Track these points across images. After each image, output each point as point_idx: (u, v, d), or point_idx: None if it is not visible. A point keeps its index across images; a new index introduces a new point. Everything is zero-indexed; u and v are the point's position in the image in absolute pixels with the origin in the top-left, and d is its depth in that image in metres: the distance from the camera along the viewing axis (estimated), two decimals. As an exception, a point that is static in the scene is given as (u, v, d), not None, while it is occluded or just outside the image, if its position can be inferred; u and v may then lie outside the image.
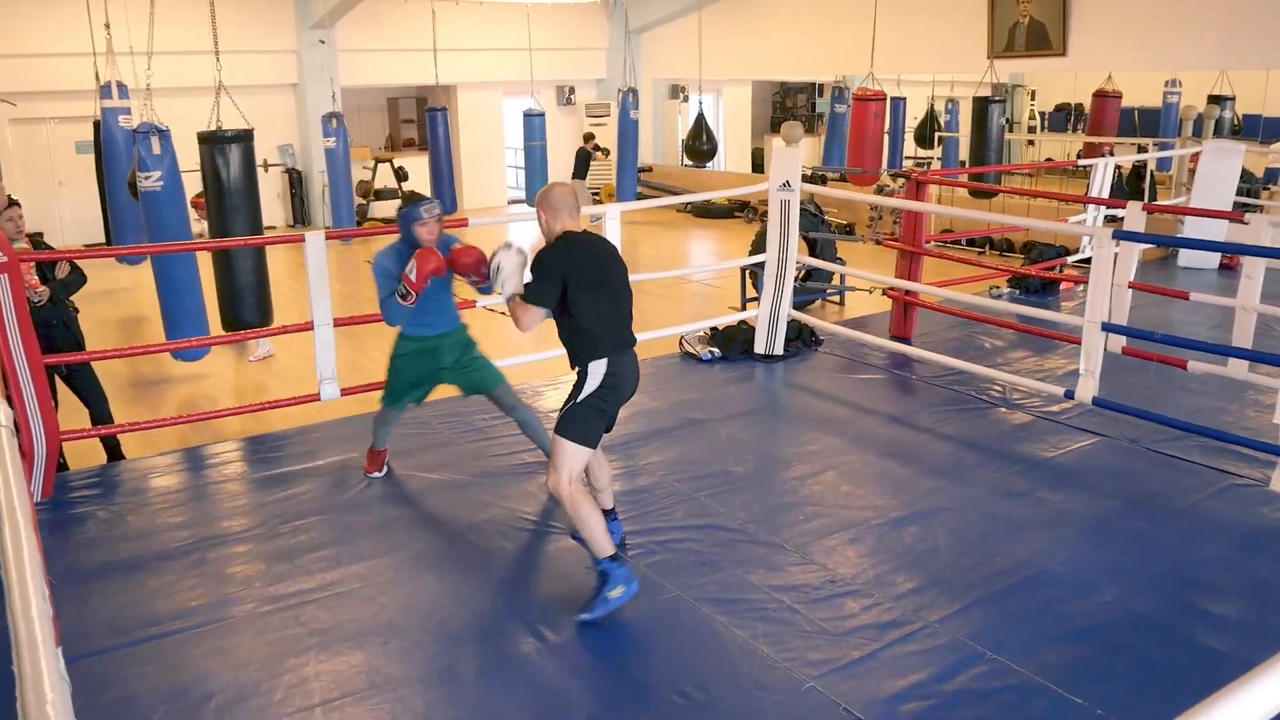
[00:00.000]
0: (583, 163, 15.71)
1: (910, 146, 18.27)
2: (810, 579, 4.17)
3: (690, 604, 3.99)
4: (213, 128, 6.34)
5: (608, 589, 3.80)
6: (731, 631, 3.80)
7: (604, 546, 3.80)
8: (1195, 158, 10.59)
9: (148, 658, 3.70)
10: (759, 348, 7.29)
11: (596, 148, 15.61)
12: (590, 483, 4.24)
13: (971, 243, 12.30)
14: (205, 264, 6.90)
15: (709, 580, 4.17)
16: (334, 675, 3.58)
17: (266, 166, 14.85)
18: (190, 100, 7.80)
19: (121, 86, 9.32)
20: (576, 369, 3.88)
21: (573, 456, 3.81)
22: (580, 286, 3.76)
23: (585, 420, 3.83)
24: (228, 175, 6.12)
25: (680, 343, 7.49)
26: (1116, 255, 5.97)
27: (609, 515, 4.27)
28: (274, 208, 15.62)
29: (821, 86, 22.84)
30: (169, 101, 10.25)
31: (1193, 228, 9.79)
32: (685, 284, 11.05)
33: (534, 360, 7.08)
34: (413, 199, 4.87)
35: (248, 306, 6.34)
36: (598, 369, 3.81)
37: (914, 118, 17.82)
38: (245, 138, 6.21)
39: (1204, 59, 11.36)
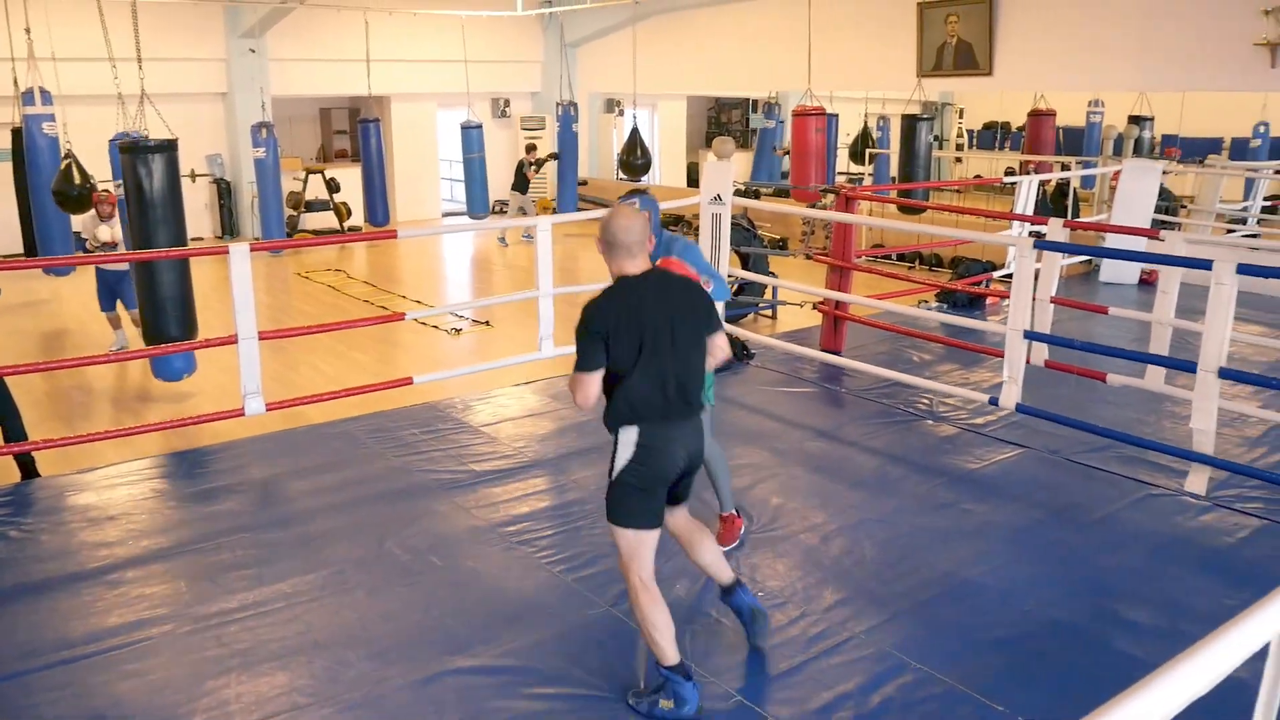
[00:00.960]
0: (522, 175, 15.65)
1: (844, 163, 18.52)
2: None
3: (619, 619, 3.98)
4: (135, 137, 6.20)
5: (663, 696, 3.34)
6: (660, 645, 3.79)
7: (667, 653, 3.29)
8: (1117, 176, 10.89)
9: (61, 682, 3.59)
10: (691, 361, 7.30)
11: (535, 161, 15.53)
12: (696, 563, 3.75)
13: (901, 258, 12.49)
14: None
15: (638, 594, 4.17)
16: (255, 697, 3.50)
17: (194, 177, 14.59)
18: (113, 109, 7.64)
19: (45, 93, 9.09)
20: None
21: (628, 542, 3.29)
22: (621, 351, 3.21)
23: (621, 499, 3.29)
24: (150, 186, 5.98)
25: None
26: (1038, 268, 6.11)
27: (734, 587, 3.71)
28: (202, 219, 15.34)
29: (755, 102, 23.08)
30: (94, 110, 10.05)
31: (1113, 244, 10.04)
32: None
33: (467, 374, 7.05)
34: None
35: (171, 320, 6.20)
36: (627, 438, 3.27)
37: (847, 134, 18.07)
38: (169, 147, 6.08)
39: (1123, 80, 11.69)
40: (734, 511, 4.61)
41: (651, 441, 3.24)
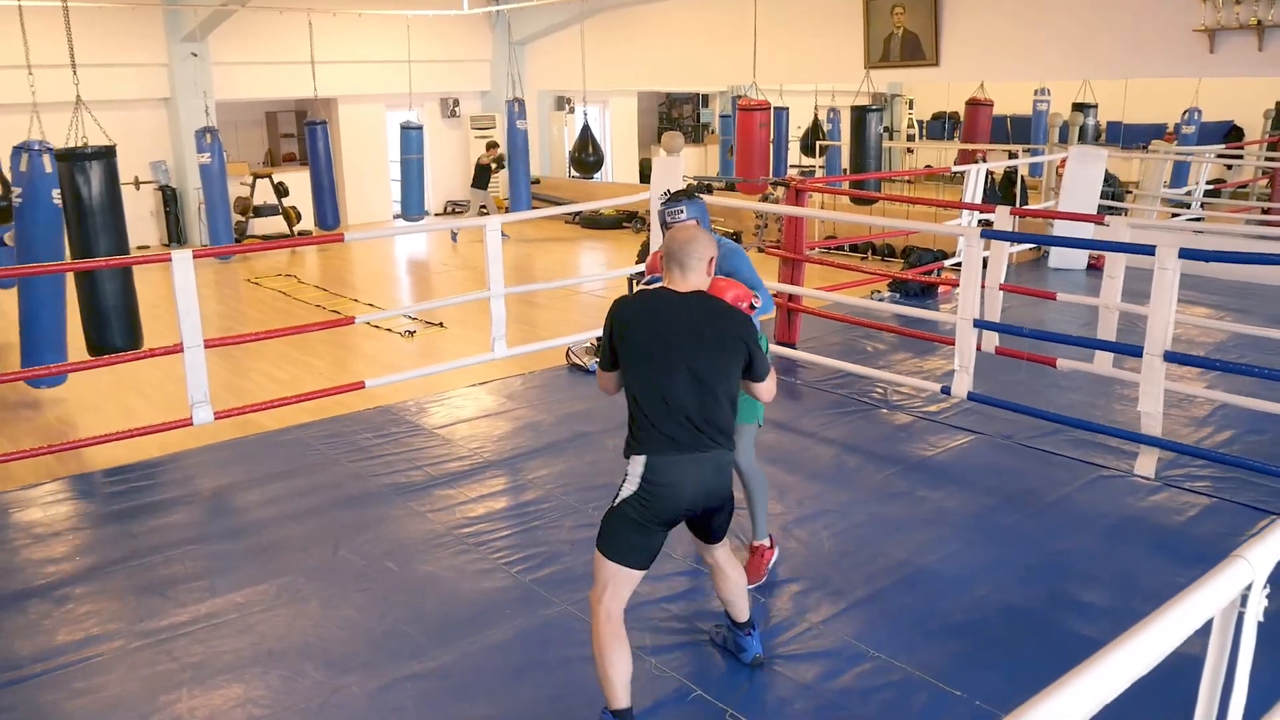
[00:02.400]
0: (482, 173, 15.46)
1: (796, 155, 18.59)
2: (698, 587, 4.19)
3: (578, 617, 3.96)
4: (72, 144, 6.08)
5: None
6: (619, 643, 3.78)
7: (616, 696, 3.08)
8: (1063, 163, 11.02)
9: (9, 704, 3.51)
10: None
11: (497, 159, 15.29)
12: (717, 593, 3.62)
13: (854, 249, 12.56)
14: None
15: (597, 593, 4.15)
16: (210, 710, 3.45)
17: (138, 184, 14.34)
18: (52, 116, 7.48)
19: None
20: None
21: (607, 573, 3.11)
22: (628, 358, 3.13)
23: (615, 530, 3.11)
24: (89, 194, 5.87)
25: (567, 354, 7.45)
26: (986, 256, 6.17)
27: (743, 628, 3.62)
28: (147, 226, 15.07)
29: (706, 97, 23.10)
30: (19, 119, 9.84)
31: (1061, 230, 10.17)
32: (574, 294, 11.03)
33: (421, 376, 6.99)
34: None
35: (114, 330, 6.08)
36: (634, 468, 3.07)
37: (798, 127, 18.13)
38: (107, 154, 5.97)
39: (1067, 68, 11.84)
40: (766, 541, 4.27)
41: (658, 478, 3.04)
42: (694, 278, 3.17)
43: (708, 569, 3.62)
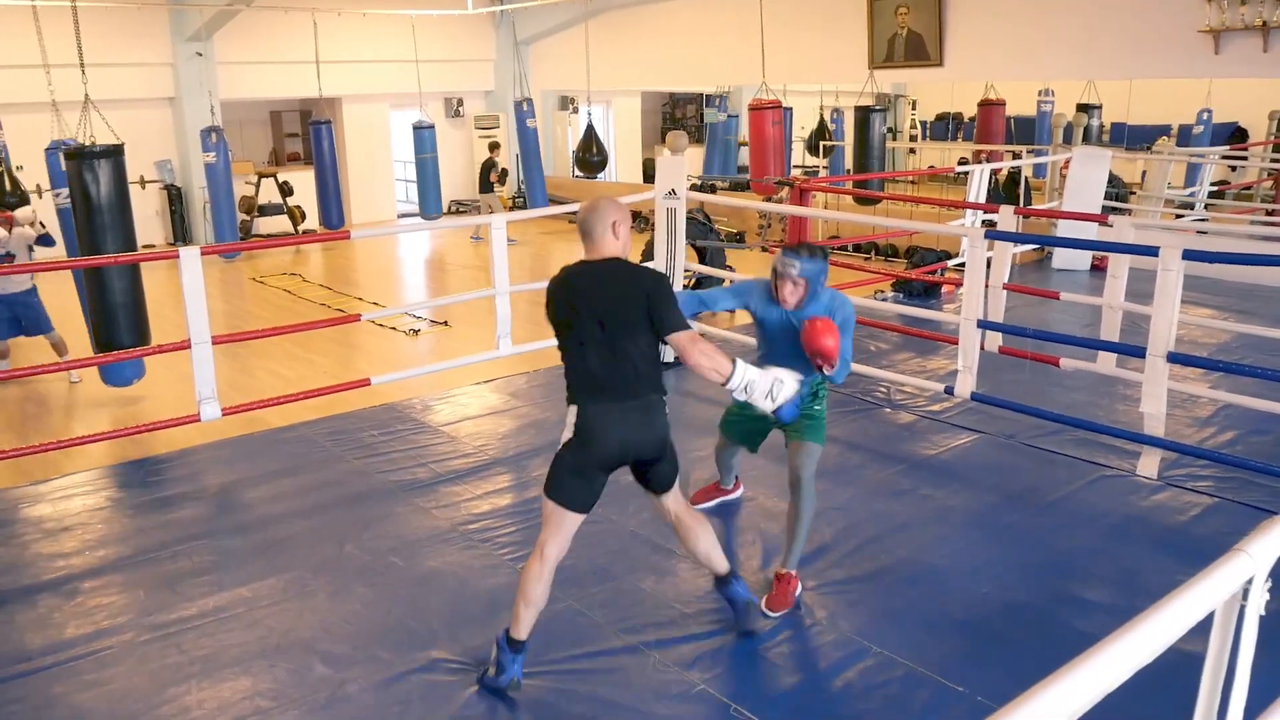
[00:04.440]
0: (487, 174, 15.36)
1: (800, 156, 18.61)
2: (701, 583, 4.20)
3: (583, 613, 3.98)
4: (82, 142, 6.11)
5: (490, 663, 3.53)
6: (623, 638, 3.81)
7: (519, 626, 3.45)
8: (1067, 163, 11.03)
9: (19, 695, 3.55)
10: (651, 356, 7.31)
11: (500, 171, 15.12)
12: (690, 552, 3.75)
13: (858, 248, 12.58)
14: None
15: (601, 588, 4.18)
16: (218, 702, 3.48)
17: (144, 183, 14.37)
18: (62, 115, 7.53)
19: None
20: None
21: (548, 511, 3.46)
22: (555, 323, 3.49)
23: (556, 473, 3.45)
24: (97, 192, 5.90)
25: (572, 353, 7.46)
26: (990, 256, 6.19)
27: (729, 578, 3.73)
28: (153, 226, 15.10)
29: (709, 97, 23.12)
30: (33, 118, 9.89)
31: (1065, 231, 10.18)
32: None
33: (426, 373, 7.03)
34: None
35: (122, 327, 6.11)
36: (570, 417, 3.42)
37: (802, 127, 18.16)
38: (115, 153, 6.00)
39: (1071, 69, 11.85)
40: (793, 571, 4.08)
41: (585, 424, 3.37)
42: (603, 245, 3.45)
43: (677, 534, 3.73)
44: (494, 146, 15.35)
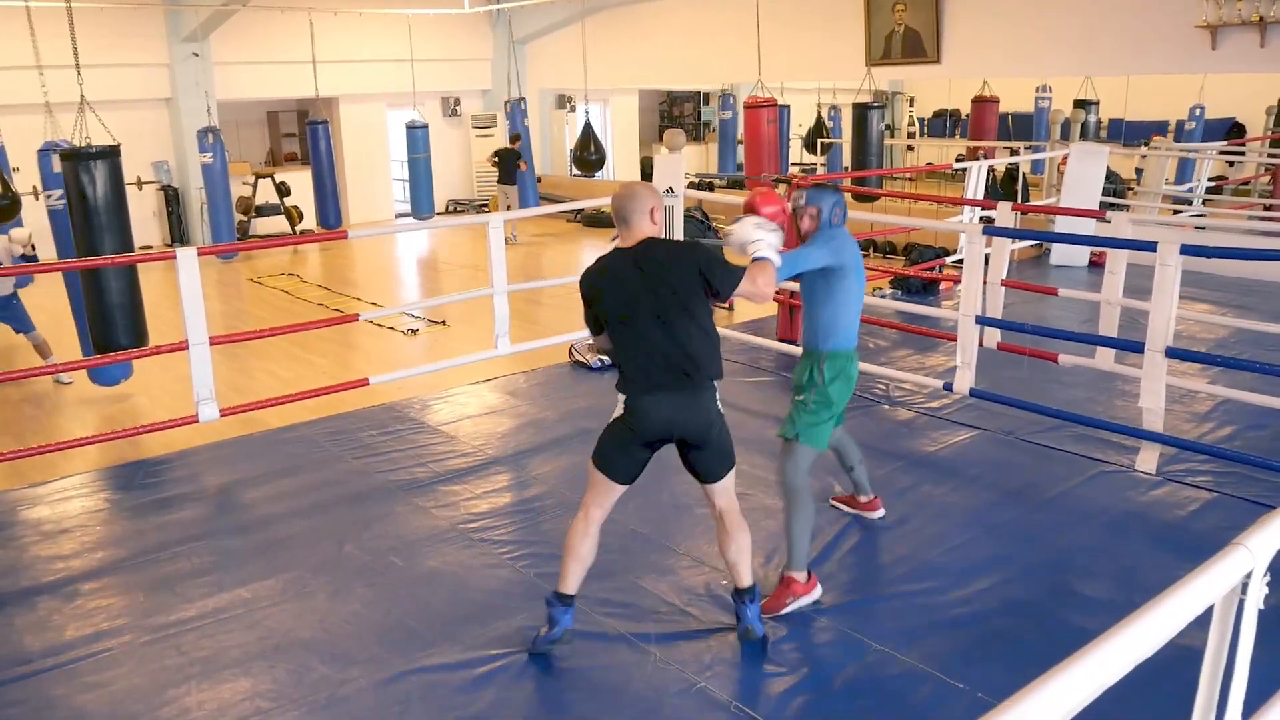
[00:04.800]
0: (506, 166, 14.98)
1: (798, 153, 18.61)
2: (702, 580, 4.21)
3: (584, 611, 3.98)
4: (76, 144, 6.10)
5: (549, 624, 3.63)
6: (625, 636, 3.81)
7: (567, 581, 3.59)
8: (1065, 160, 11.03)
9: (19, 697, 3.54)
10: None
11: (518, 156, 14.82)
12: (721, 554, 3.71)
13: (856, 246, 12.56)
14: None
15: (602, 586, 4.17)
16: (218, 703, 3.48)
17: (141, 184, 14.37)
18: (54, 116, 7.52)
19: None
20: None
21: (592, 476, 3.59)
22: (607, 321, 3.50)
23: (604, 444, 3.55)
24: (94, 193, 5.89)
25: (570, 351, 7.48)
26: (988, 252, 6.19)
27: (744, 595, 3.65)
28: (149, 227, 15.10)
29: (707, 95, 23.11)
30: (27, 119, 9.86)
31: (1063, 227, 10.18)
32: (576, 292, 11.05)
33: (425, 373, 7.03)
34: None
35: (119, 328, 6.10)
36: (619, 406, 3.51)
37: (799, 124, 18.16)
38: (111, 154, 5.99)
39: (1068, 65, 11.84)
40: (794, 574, 3.98)
41: (633, 414, 3.45)
42: (639, 230, 3.48)
43: (717, 531, 3.70)
44: (515, 138, 15.19)
